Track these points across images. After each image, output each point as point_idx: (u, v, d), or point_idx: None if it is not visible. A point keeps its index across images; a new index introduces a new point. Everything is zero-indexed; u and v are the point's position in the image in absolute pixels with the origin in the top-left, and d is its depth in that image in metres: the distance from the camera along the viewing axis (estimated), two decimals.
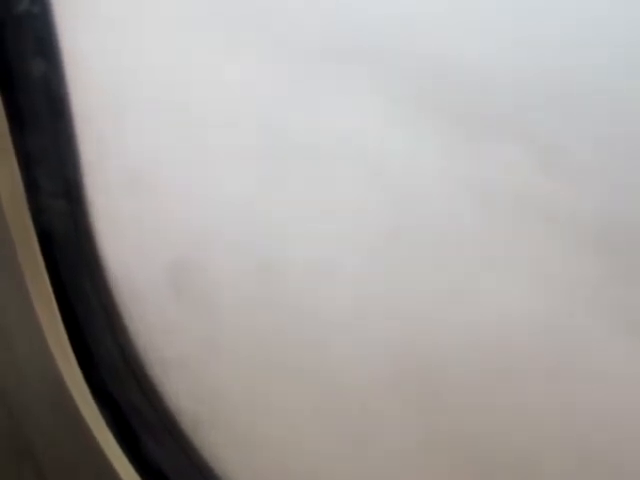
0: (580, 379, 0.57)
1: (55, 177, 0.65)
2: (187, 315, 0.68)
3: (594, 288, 0.56)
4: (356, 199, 0.62)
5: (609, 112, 0.54)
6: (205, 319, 0.68)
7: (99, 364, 0.69)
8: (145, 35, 0.63)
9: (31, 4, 0.61)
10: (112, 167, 0.66)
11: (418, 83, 0.58)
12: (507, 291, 0.58)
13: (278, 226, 0.64)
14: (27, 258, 0.64)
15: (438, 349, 0.61)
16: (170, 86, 0.63)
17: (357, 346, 0.65)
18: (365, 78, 0.59)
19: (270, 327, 0.66)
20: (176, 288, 0.67)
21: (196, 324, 0.68)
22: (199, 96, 0.63)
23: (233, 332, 0.67)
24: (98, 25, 0.63)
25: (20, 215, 0.64)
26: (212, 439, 0.69)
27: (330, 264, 0.64)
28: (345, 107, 0.60)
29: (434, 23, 0.57)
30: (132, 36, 0.63)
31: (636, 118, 0.53)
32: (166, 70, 0.63)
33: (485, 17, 0.56)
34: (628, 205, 0.54)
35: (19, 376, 0.68)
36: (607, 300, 0.55)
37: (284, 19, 0.61)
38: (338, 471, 0.67)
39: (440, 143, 0.58)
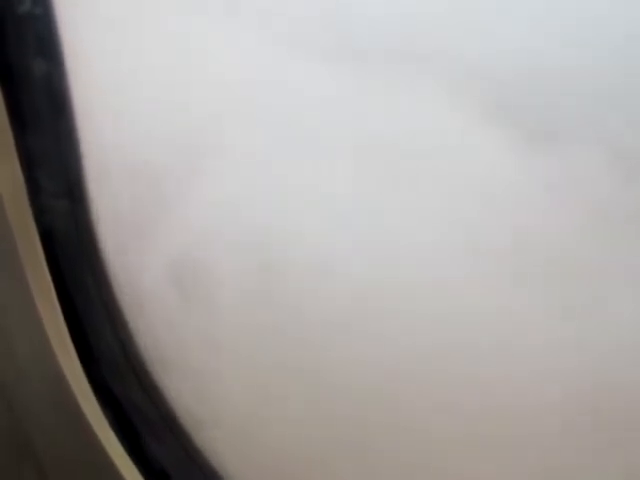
0: None
1: (57, 175, 0.66)
2: (189, 313, 0.68)
3: None
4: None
5: None
6: (207, 317, 0.68)
7: (100, 361, 0.69)
8: (146, 35, 0.63)
9: (33, 4, 0.62)
10: (114, 165, 0.66)
11: (481, 83, 0.57)
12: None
13: (280, 225, 0.65)
14: (29, 256, 0.65)
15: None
16: (171, 85, 0.63)
17: (360, 346, 0.65)
18: (413, 77, 0.58)
19: (272, 326, 0.66)
20: (177, 286, 0.67)
21: (198, 322, 0.68)
22: (200, 95, 0.63)
23: (235, 330, 0.68)
24: (99, 25, 0.63)
25: (21, 213, 0.65)
26: (214, 437, 0.70)
27: (332, 264, 0.64)
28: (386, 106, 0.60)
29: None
30: (133, 36, 0.63)
31: None
32: (167, 69, 0.63)
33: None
34: None
35: (20, 373, 0.68)
36: None
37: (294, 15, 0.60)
38: (340, 469, 0.68)
39: (509, 143, 0.57)
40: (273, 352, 0.67)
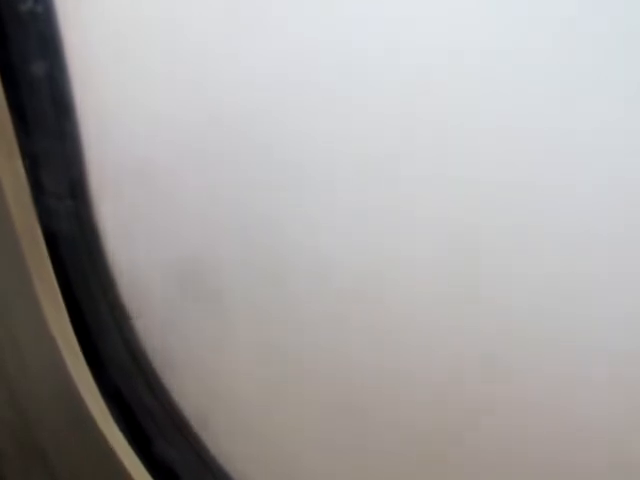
0: None
1: (60, 175, 0.65)
2: (194, 312, 0.68)
3: None
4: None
5: None
6: (212, 316, 0.68)
7: (106, 362, 0.69)
8: (149, 33, 0.63)
9: (35, 3, 0.61)
10: (117, 165, 0.66)
11: None
12: None
13: (285, 224, 0.64)
14: (33, 257, 0.64)
15: None
16: (174, 84, 0.63)
17: (364, 343, 0.65)
18: None
19: (278, 324, 0.66)
20: (183, 285, 0.67)
21: (203, 321, 0.68)
22: (203, 94, 0.63)
23: (240, 329, 0.67)
24: (101, 23, 0.63)
25: (25, 214, 0.64)
26: (222, 436, 0.69)
27: (335, 261, 0.64)
28: None
29: None
30: (136, 34, 0.63)
31: None
32: (170, 69, 0.63)
33: None
34: None
35: (26, 375, 0.68)
36: None
37: None
38: (348, 467, 0.67)
39: None
40: (281, 349, 0.67)
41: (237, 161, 0.63)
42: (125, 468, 0.66)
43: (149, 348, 0.69)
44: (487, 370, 0.62)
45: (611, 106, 0.56)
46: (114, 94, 0.64)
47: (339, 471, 0.68)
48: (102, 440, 0.66)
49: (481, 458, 0.64)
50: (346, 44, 0.58)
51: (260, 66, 0.60)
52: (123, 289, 0.68)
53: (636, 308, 0.58)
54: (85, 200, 0.65)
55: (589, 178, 0.57)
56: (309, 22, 0.58)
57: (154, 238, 0.66)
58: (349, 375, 0.65)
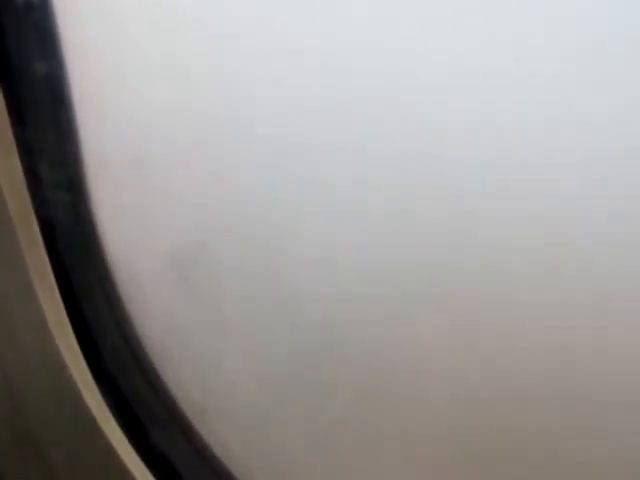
0: None
1: (56, 167, 0.65)
2: (190, 301, 0.68)
3: None
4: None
5: None
6: (208, 305, 0.68)
7: (102, 351, 0.69)
8: (145, 24, 0.62)
9: None
10: (113, 156, 0.65)
11: None
12: None
13: (286, 216, 0.64)
14: (29, 248, 0.64)
15: None
16: (172, 77, 0.63)
17: (362, 336, 0.65)
18: None
19: (275, 315, 0.66)
20: (179, 275, 0.67)
21: (199, 310, 0.68)
22: (201, 87, 0.63)
23: (237, 318, 0.68)
24: (98, 14, 0.62)
25: (22, 205, 0.64)
26: (216, 425, 0.70)
27: (333, 250, 0.64)
28: None
29: None
30: (132, 25, 0.62)
31: None
32: (169, 59, 0.62)
33: None
34: None
35: (21, 363, 0.68)
36: None
37: None
38: (344, 456, 0.68)
39: None
40: (278, 340, 0.67)
41: (235, 154, 0.63)
42: (121, 460, 0.67)
43: (144, 336, 0.69)
44: None
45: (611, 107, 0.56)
46: (111, 86, 0.63)
47: (334, 458, 0.68)
48: (99, 433, 0.66)
49: None
50: (348, 43, 0.57)
51: (260, 61, 0.60)
52: (119, 278, 0.68)
53: None
54: (82, 193, 0.65)
55: (588, 177, 0.58)
56: (309, 21, 0.58)
57: (151, 230, 0.66)
58: (348, 371, 0.65)
